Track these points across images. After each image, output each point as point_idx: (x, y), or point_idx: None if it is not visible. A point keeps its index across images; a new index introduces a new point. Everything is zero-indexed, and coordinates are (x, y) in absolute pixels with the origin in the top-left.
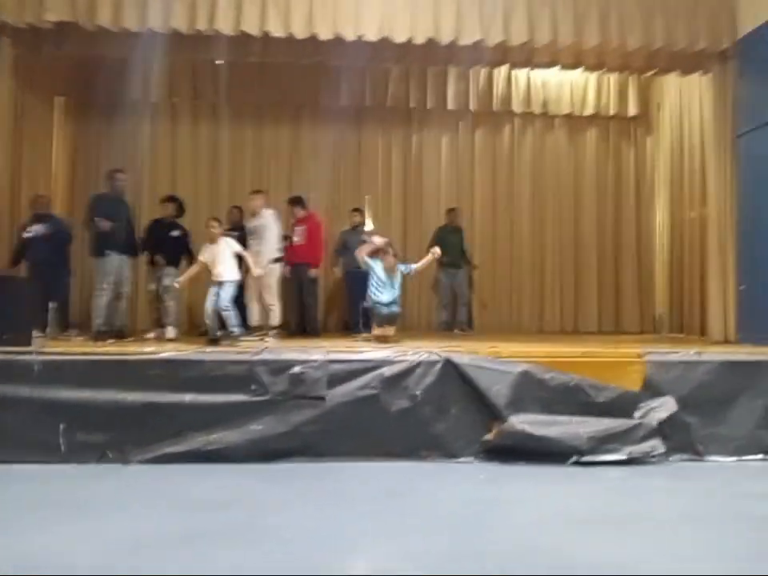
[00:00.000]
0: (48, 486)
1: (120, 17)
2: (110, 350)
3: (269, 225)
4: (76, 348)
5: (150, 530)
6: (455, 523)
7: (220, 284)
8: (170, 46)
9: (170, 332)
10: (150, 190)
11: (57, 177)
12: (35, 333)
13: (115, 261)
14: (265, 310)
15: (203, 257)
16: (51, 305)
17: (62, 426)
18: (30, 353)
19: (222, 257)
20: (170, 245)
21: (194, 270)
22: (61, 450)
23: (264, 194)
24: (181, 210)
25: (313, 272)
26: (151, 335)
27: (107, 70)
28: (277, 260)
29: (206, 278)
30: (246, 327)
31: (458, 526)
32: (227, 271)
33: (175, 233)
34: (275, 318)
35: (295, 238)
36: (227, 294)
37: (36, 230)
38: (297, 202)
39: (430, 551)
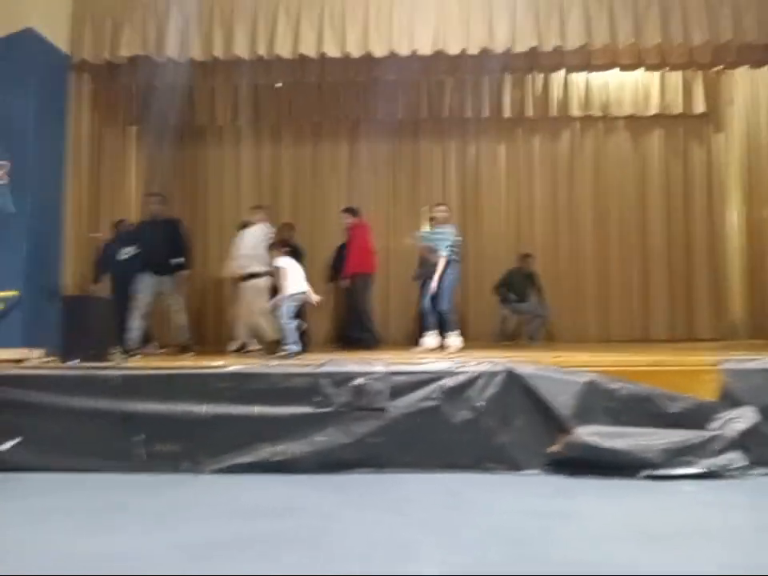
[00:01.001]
0: (127, 493)
1: (186, 48)
2: (183, 363)
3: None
4: (152, 363)
5: (218, 535)
6: (516, 536)
7: (294, 296)
8: (232, 72)
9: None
10: (217, 212)
11: (135, 204)
12: (117, 348)
13: (147, 280)
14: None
15: (281, 264)
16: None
17: (139, 437)
18: (110, 368)
19: (293, 269)
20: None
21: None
22: (139, 459)
23: (263, 208)
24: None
25: (358, 280)
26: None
27: (175, 98)
28: (252, 276)
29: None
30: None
31: (520, 539)
32: (299, 283)
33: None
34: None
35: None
36: (288, 308)
37: (128, 251)
38: (345, 210)
39: (489, 564)
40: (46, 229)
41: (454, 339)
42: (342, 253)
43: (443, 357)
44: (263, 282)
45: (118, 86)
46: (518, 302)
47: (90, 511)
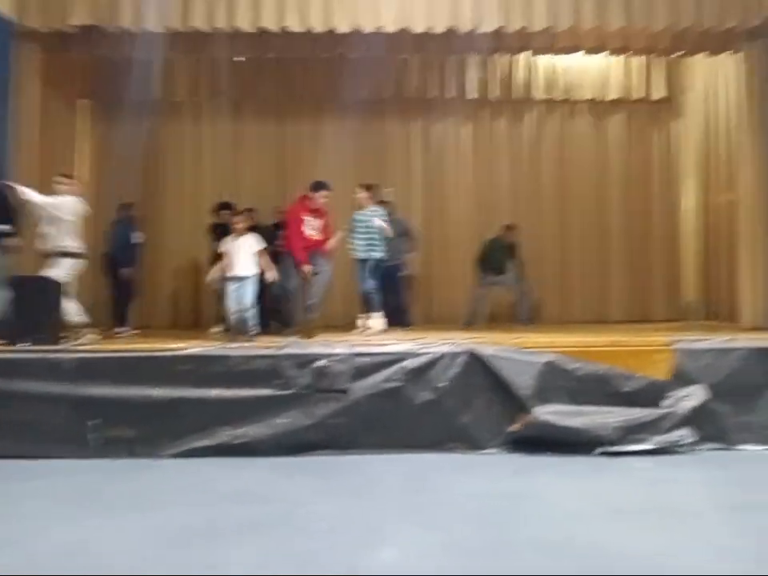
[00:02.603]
0: (79, 480)
1: (140, 18)
2: (138, 346)
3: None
4: (105, 346)
5: (178, 523)
6: (481, 515)
7: (237, 279)
8: (190, 44)
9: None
10: (174, 190)
11: (81, 178)
12: (122, 328)
13: None
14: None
15: (220, 248)
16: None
17: (95, 422)
18: (63, 351)
19: (240, 253)
20: None
21: (219, 264)
22: (95, 444)
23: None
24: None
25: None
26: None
27: (129, 71)
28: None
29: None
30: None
31: (484, 518)
32: (244, 267)
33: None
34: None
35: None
36: (250, 292)
37: (140, 236)
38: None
39: (456, 543)
40: None
41: (376, 320)
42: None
43: (362, 338)
44: None
45: (69, 57)
46: (495, 275)
47: (52, 498)
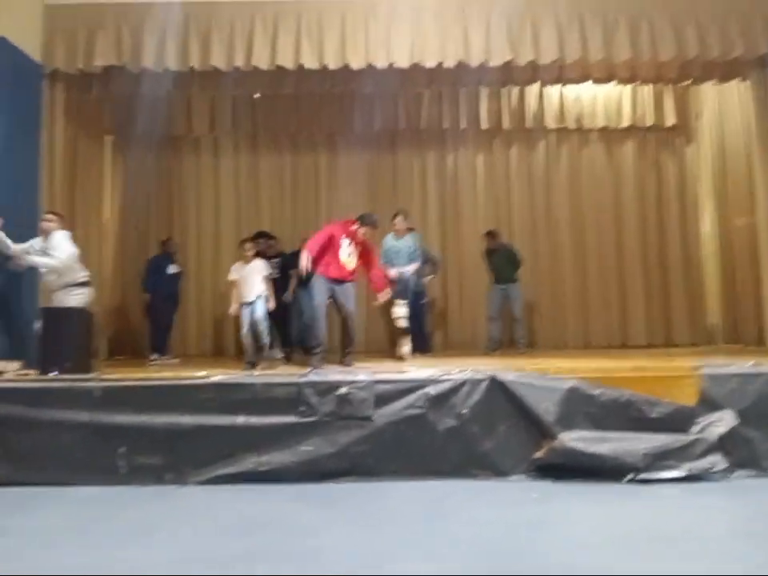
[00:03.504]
0: (107, 507)
1: (162, 58)
2: (164, 375)
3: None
4: (133, 374)
5: (202, 549)
6: (499, 543)
7: (250, 303)
8: (209, 82)
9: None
10: (196, 222)
11: (110, 211)
12: (154, 356)
13: None
14: None
15: (232, 276)
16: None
17: (121, 450)
18: (90, 380)
19: (251, 278)
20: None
21: (235, 293)
22: (121, 472)
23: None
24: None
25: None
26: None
27: (151, 108)
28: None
29: None
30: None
31: (505, 549)
32: (256, 290)
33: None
34: None
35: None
36: (261, 308)
37: (174, 268)
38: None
39: (479, 572)
40: (22, 239)
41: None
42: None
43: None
44: None
45: (93, 96)
46: (502, 282)
47: (71, 526)
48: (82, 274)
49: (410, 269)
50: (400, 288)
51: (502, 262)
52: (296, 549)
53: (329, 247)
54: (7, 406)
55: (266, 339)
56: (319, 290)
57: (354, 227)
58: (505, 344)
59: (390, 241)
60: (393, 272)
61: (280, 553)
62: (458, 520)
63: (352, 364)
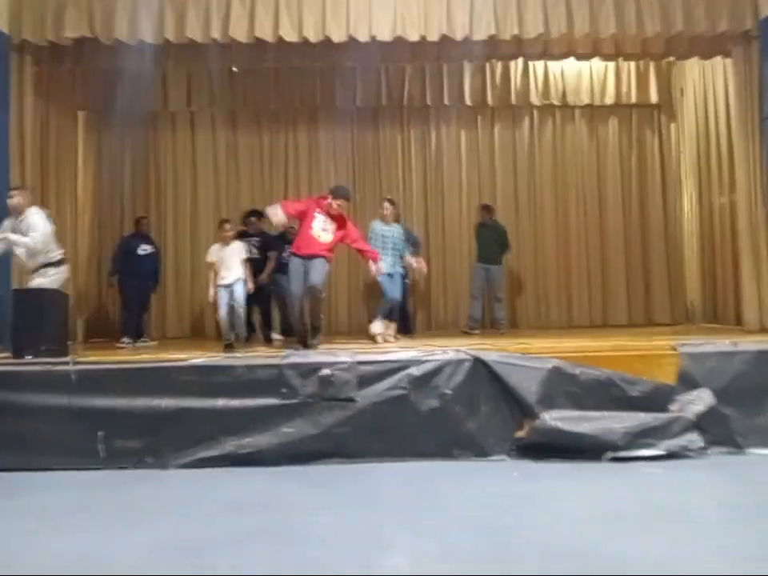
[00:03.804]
0: (88, 491)
1: (136, 30)
2: (143, 357)
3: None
4: (111, 357)
5: (185, 533)
6: (484, 522)
7: (228, 286)
8: (185, 55)
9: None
10: (173, 199)
11: (84, 188)
12: (123, 340)
13: None
14: None
15: (210, 258)
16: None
17: (99, 433)
18: (66, 363)
19: (230, 260)
20: None
21: (212, 276)
22: (100, 456)
23: (25, 190)
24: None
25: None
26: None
27: (125, 82)
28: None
29: None
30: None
31: (487, 525)
32: (235, 273)
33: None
34: None
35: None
36: (240, 292)
37: (146, 248)
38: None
39: (463, 551)
40: None
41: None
42: None
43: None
44: None
45: (65, 70)
46: (485, 262)
47: (56, 511)
48: (58, 253)
49: (406, 260)
50: (389, 287)
51: (489, 240)
52: (288, 528)
53: (301, 223)
54: None
55: (242, 326)
56: (294, 278)
57: (328, 201)
58: (486, 324)
59: (378, 226)
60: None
61: (272, 532)
62: (444, 499)
63: (315, 345)
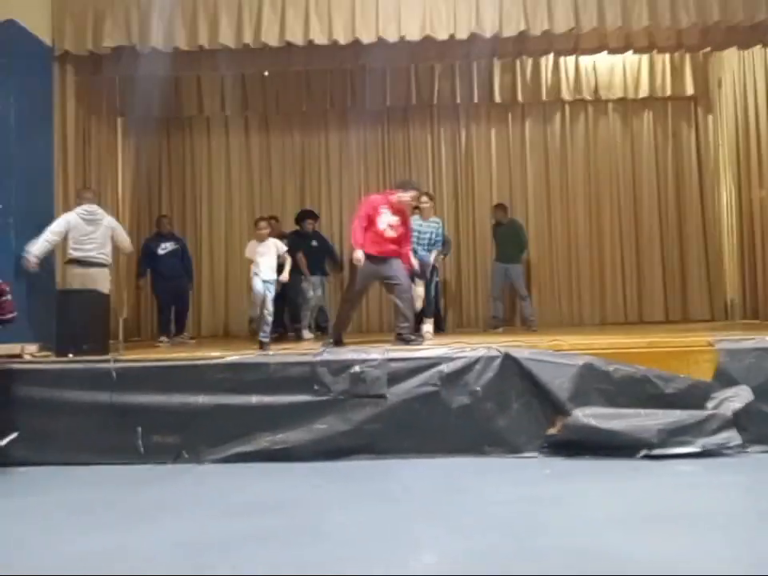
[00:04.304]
0: (124, 486)
1: (170, 38)
2: (180, 355)
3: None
4: (149, 355)
5: (212, 529)
6: (512, 521)
7: (265, 282)
8: (218, 60)
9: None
10: (208, 202)
11: (123, 193)
12: (161, 339)
13: None
14: None
15: (248, 254)
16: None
17: (137, 429)
18: (107, 361)
19: (267, 257)
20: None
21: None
22: (137, 451)
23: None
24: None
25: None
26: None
27: (161, 88)
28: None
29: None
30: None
31: (515, 524)
32: (270, 271)
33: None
34: None
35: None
36: (271, 296)
37: (166, 246)
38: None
39: (491, 550)
40: (36, 222)
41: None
42: None
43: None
44: None
45: (103, 77)
46: (504, 261)
47: (90, 505)
48: (73, 251)
49: (432, 255)
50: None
51: (507, 239)
52: (315, 525)
53: (368, 222)
54: (26, 388)
55: (266, 326)
56: (361, 278)
57: (398, 194)
58: (511, 322)
59: (415, 222)
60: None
61: (300, 529)
62: (473, 496)
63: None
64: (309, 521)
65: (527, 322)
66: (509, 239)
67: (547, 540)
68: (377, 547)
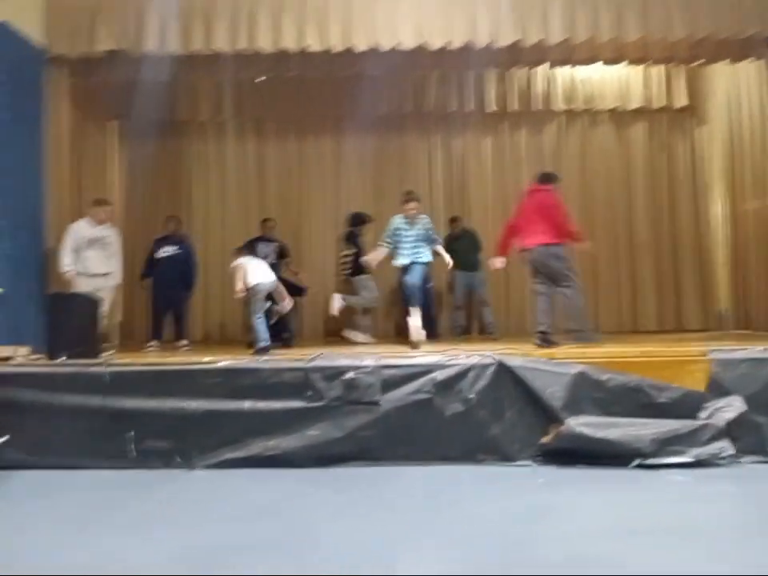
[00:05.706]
0: (115, 492)
1: (164, 42)
2: (173, 360)
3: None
4: (141, 359)
5: (203, 537)
6: (503, 530)
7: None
8: (213, 66)
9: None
10: (204, 207)
11: (116, 197)
12: (150, 344)
13: None
14: None
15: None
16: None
17: (129, 434)
18: (99, 364)
19: (263, 264)
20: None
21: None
22: (129, 456)
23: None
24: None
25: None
26: None
27: (154, 93)
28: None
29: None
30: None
31: (512, 535)
32: (267, 273)
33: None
34: None
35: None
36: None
37: (167, 250)
38: None
39: (484, 559)
40: (28, 225)
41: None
42: None
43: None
44: None
45: (97, 81)
46: (466, 269)
47: (81, 511)
48: (65, 266)
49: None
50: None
51: (467, 249)
52: (308, 532)
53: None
54: (18, 391)
55: (262, 334)
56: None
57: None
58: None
59: (399, 222)
60: (398, 261)
61: (292, 536)
62: (466, 505)
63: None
64: (301, 527)
65: (488, 328)
66: (469, 248)
67: (539, 549)
68: (369, 555)
